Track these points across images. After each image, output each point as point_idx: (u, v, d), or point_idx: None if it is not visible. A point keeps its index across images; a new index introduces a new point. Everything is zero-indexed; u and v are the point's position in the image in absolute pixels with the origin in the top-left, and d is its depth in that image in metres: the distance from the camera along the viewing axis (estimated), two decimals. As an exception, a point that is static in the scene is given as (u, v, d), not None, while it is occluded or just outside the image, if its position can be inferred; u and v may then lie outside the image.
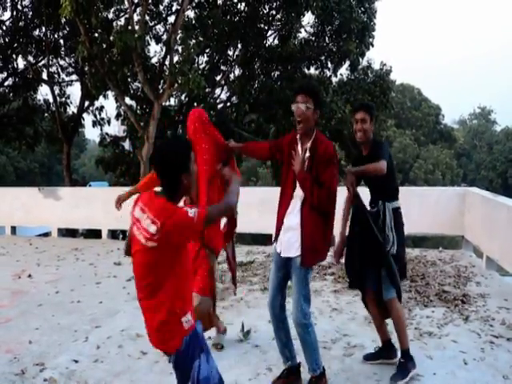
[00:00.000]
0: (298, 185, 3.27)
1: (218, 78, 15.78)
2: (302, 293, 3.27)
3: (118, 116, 15.99)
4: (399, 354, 3.67)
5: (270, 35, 15.63)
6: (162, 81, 13.87)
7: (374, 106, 3.96)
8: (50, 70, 15.82)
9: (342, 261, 3.82)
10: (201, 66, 15.30)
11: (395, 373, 3.54)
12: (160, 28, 15.58)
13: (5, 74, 16.03)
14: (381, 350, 3.87)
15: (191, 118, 3.80)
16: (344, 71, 16.23)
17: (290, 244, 3.29)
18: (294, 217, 3.28)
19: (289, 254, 3.31)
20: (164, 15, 15.17)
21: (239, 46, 15.28)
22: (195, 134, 3.74)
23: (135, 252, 2.37)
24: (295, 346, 3.51)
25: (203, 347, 2.38)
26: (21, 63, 16.09)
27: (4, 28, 15.37)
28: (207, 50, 15.20)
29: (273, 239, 3.50)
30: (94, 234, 10.36)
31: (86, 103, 16.37)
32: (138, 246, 2.33)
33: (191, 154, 2.35)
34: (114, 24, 13.04)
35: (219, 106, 16.54)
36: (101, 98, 15.35)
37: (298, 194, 3.28)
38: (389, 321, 3.72)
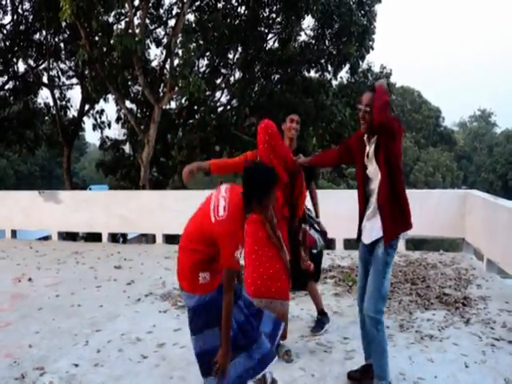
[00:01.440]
0: (370, 180, 3.33)
1: (219, 81, 15.81)
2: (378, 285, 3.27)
3: (118, 119, 16.05)
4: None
5: (270, 38, 15.68)
6: (162, 84, 13.92)
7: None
8: (51, 73, 15.90)
9: None
10: (201, 70, 15.35)
11: (314, 326, 4.53)
12: (160, 31, 15.68)
13: (5, 78, 16.09)
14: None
15: (260, 136, 3.94)
16: (344, 74, 16.27)
17: (371, 230, 3.35)
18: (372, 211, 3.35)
19: (370, 239, 3.34)
20: (164, 19, 15.23)
21: (239, 49, 15.32)
22: (265, 151, 3.89)
23: (199, 211, 2.83)
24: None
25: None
26: (21, 67, 16.16)
27: (5, 32, 15.44)
28: (207, 54, 15.23)
29: (356, 238, 3.54)
30: (95, 237, 10.36)
31: (87, 107, 16.41)
32: (202, 211, 2.78)
33: (272, 190, 2.78)
34: (115, 27, 13.09)
35: (219, 109, 16.57)
36: (101, 101, 15.46)
37: (371, 187, 3.34)
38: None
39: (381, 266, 3.25)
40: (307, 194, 4.32)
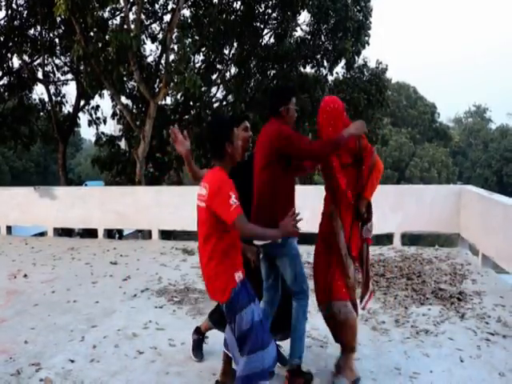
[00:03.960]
0: None
1: (214, 76, 15.77)
2: None
3: (113, 115, 15.98)
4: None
5: (266, 34, 15.64)
6: (157, 80, 13.86)
7: None
8: (46, 69, 15.79)
9: None
10: (197, 65, 15.29)
11: None
12: (156, 27, 15.60)
13: (0, 74, 15.97)
14: None
15: (321, 108, 3.79)
16: (340, 70, 16.30)
17: None
18: None
19: None
20: (160, 14, 15.16)
21: (235, 44, 15.27)
22: (322, 124, 3.68)
23: (198, 212, 2.90)
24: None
25: (251, 298, 2.84)
26: (16, 62, 16.01)
27: (-1, 27, 15.31)
28: (203, 49, 15.17)
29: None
30: (90, 233, 10.33)
31: (82, 102, 16.32)
32: (198, 209, 2.90)
33: (234, 129, 2.89)
34: (110, 23, 13.02)
35: (215, 104, 16.54)
36: (96, 97, 15.40)
37: None
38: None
39: None
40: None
